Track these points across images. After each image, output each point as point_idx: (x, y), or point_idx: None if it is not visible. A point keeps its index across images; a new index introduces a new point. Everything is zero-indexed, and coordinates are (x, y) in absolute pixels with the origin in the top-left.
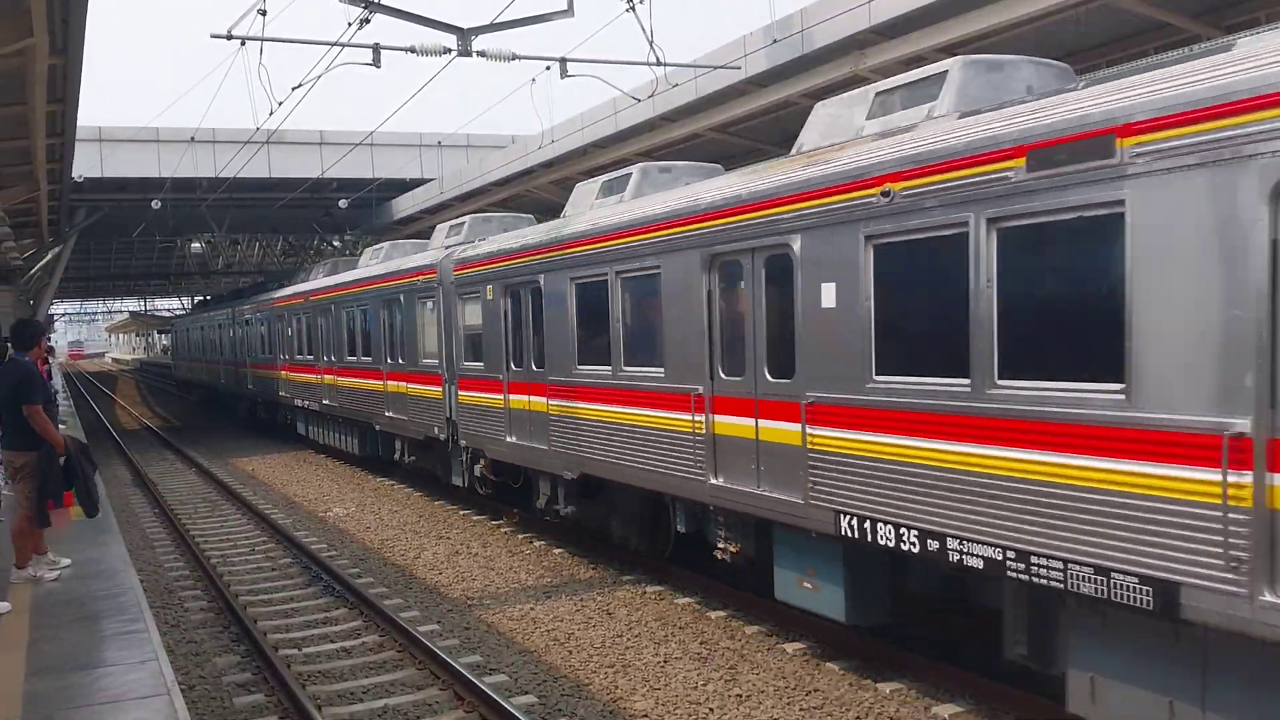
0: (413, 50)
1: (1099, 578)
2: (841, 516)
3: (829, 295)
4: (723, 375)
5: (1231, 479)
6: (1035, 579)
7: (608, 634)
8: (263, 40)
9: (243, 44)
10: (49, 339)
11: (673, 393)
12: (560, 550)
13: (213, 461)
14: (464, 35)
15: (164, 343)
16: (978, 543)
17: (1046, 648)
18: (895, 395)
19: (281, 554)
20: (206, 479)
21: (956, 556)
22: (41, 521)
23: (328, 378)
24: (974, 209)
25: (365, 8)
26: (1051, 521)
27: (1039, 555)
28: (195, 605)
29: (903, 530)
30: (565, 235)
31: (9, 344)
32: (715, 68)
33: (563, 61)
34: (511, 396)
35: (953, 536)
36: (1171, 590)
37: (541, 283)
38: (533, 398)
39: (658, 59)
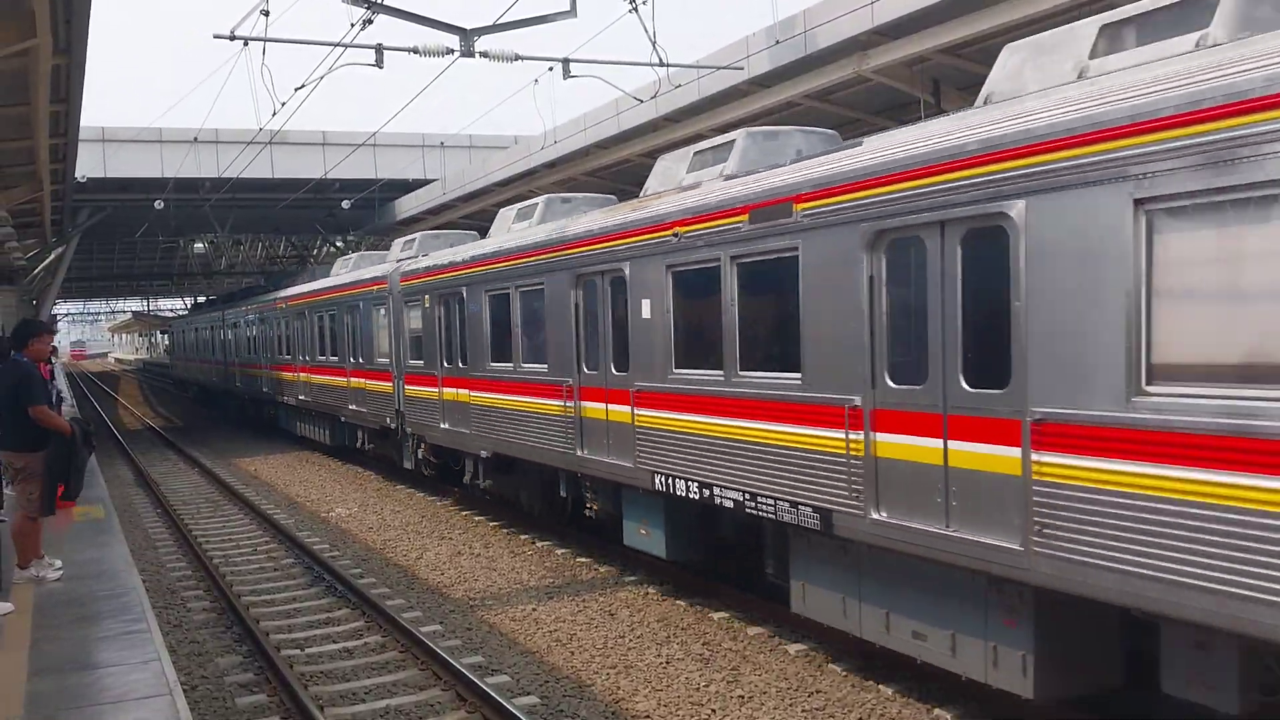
0: (415, 51)
1: (793, 510)
2: (656, 476)
3: (646, 309)
4: (585, 370)
5: (852, 437)
6: (760, 514)
7: (610, 635)
8: (265, 41)
9: (245, 44)
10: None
11: (553, 384)
12: (563, 551)
13: (215, 462)
14: (467, 36)
15: (166, 343)
16: (729, 489)
17: (784, 567)
18: (684, 383)
19: (284, 554)
20: (209, 479)
21: (718, 500)
22: (47, 509)
23: (302, 375)
24: (723, 249)
25: (368, 8)
26: (767, 471)
27: (762, 496)
28: (198, 605)
29: (690, 484)
30: (479, 255)
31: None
32: (718, 68)
33: (565, 62)
34: (444, 390)
35: (717, 486)
36: (828, 515)
37: (464, 294)
38: (459, 390)
39: (660, 60)
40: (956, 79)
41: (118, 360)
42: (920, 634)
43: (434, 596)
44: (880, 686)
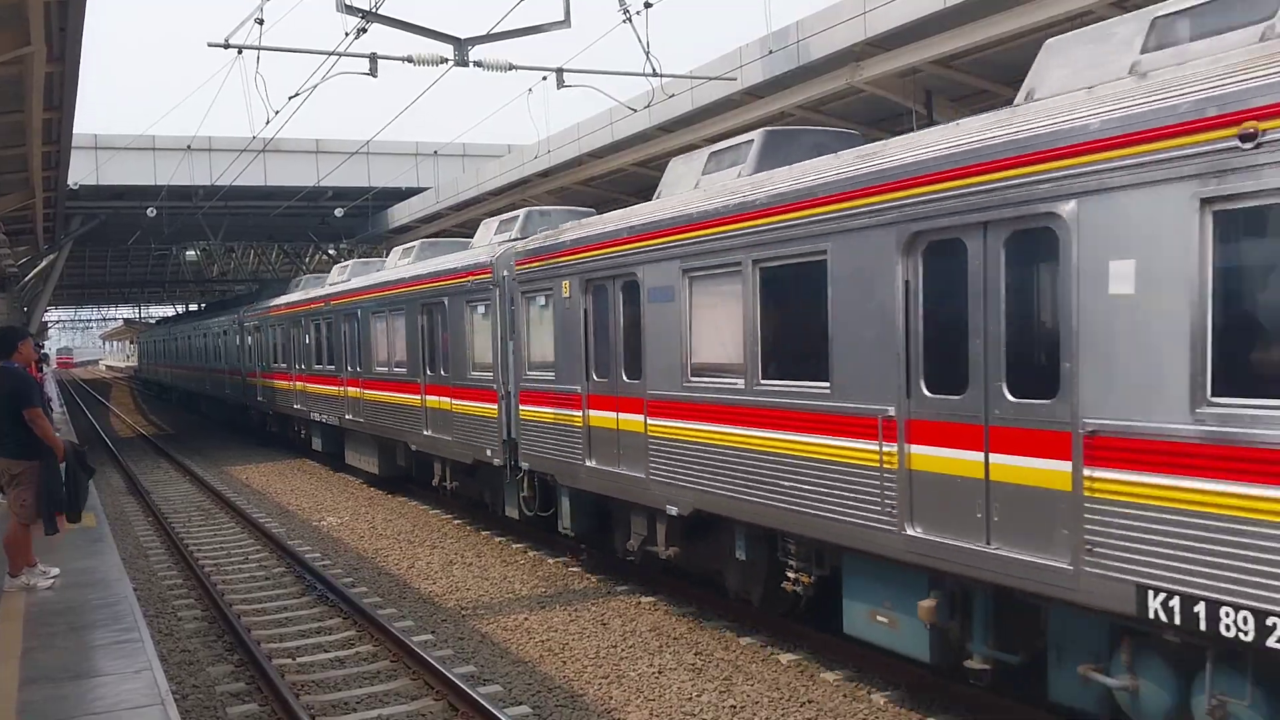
0: (409, 60)
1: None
2: (345, 416)
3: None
4: (302, 366)
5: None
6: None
7: (602, 644)
8: (260, 49)
9: (239, 53)
10: (39, 345)
11: (330, 377)
12: (555, 560)
13: (207, 470)
14: (461, 45)
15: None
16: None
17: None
18: (318, 378)
19: (275, 563)
20: (201, 487)
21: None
22: (50, 528)
23: (210, 374)
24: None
25: (363, 17)
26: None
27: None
28: (189, 614)
29: (325, 418)
30: (280, 304)
31: None
32: (711, 78)
33: (559, 72)
34: (275, 380)
35: (351, 417)
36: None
37: (265, 326)
38: (285, 380)
39: (654, 69)
40: (949, 90)
41: (109, 368)
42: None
43: (426, 605)
44: (872, 696)
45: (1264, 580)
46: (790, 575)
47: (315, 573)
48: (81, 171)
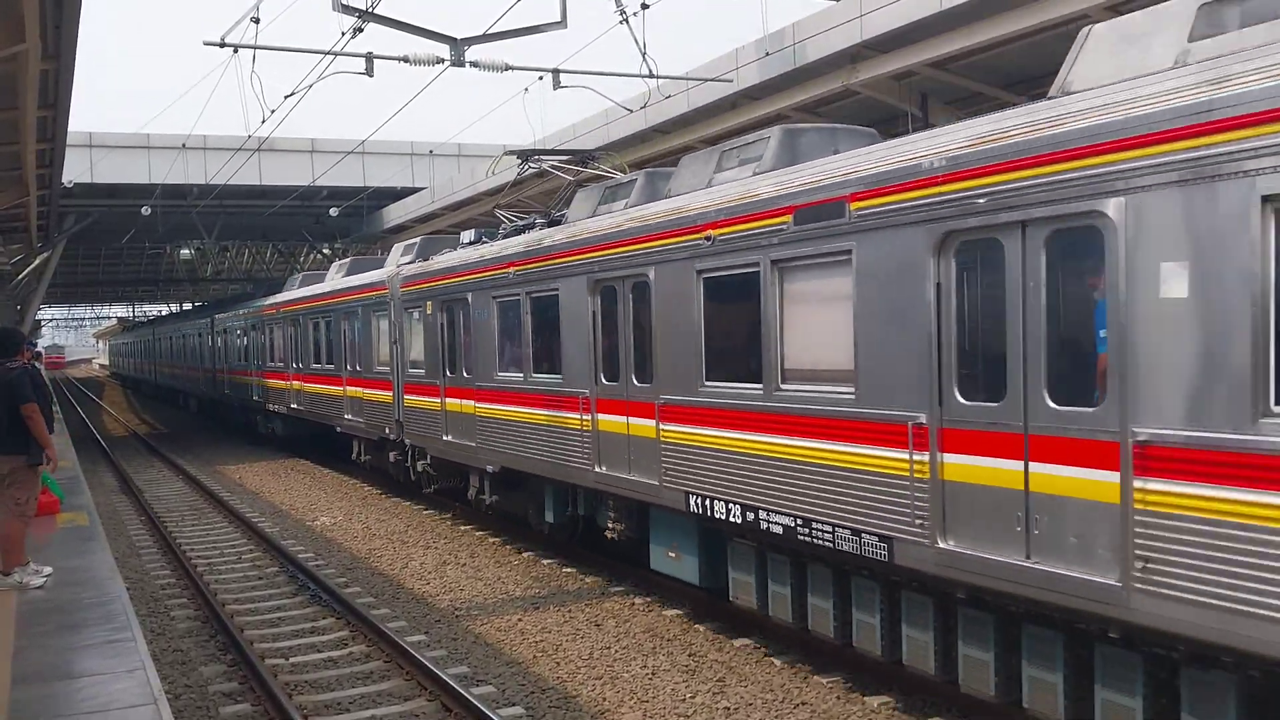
0: (405, 60)
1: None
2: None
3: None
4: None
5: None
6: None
7: (596, 645)
8: (255, 48)
9: (235, 51)
10: (32, 344)
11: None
12: (549, 561)
13: (200, 469)
14: (457, 45)
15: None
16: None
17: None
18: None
19: (269, 562)
20: (194, 487)
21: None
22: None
23: (156, 367)
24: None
25: (359, 17)
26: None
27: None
28: (182, 614)
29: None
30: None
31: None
32: (707, 80)
33: (555, 72)
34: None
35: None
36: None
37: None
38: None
39: (650, 71)
40: (943, 93)
41: (101, 367)
42: None
43: (420, 606)
44: (866, 699)
45: None
46: None
47: (308, 573)
48: (76, 169)
